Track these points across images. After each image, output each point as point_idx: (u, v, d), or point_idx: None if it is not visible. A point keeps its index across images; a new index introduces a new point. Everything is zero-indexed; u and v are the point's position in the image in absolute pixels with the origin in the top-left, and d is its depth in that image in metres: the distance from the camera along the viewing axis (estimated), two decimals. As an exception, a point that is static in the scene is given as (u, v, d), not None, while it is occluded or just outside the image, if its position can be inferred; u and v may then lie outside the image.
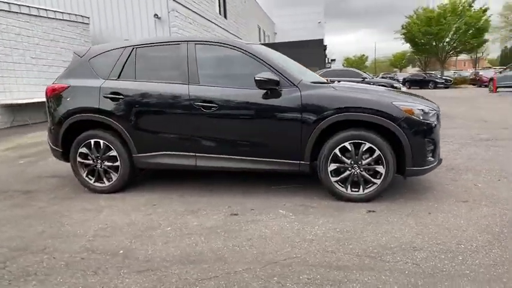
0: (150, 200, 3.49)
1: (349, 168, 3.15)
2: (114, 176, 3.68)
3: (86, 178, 3.74)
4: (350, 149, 3.10)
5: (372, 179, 3.14)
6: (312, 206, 3.17)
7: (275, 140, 3.28)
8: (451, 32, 30.38)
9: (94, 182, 3.73)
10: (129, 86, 3.54)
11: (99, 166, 3.69)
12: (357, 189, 3.18)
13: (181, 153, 3.48)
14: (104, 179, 3.72)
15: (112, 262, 2.31)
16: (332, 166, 3.17)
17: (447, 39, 31.49)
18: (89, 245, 2.56)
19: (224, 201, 3.37)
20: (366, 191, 3.16)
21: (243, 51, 3.41)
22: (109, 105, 3.56)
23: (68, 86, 3.71)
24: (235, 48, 3.45)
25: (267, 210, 3.09)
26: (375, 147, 3.05)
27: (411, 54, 47.55)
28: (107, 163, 3.66)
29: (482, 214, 2.86)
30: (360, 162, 3.12)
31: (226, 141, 3.39)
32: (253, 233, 2.67)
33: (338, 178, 3.19)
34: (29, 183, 4.28)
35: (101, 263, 2.31)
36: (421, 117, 3.05)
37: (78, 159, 3.71)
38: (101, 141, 3.62)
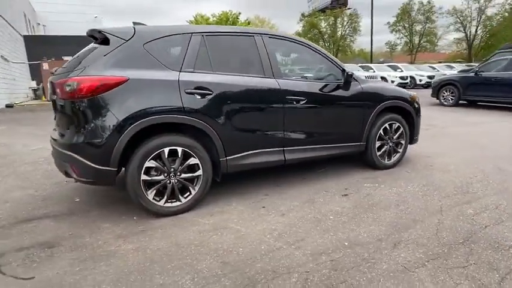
0: (244, 207, 3.17)
1: (385, 144, 4.13)
2: (193, 190, 3.01)
3: (153, 200, 2.85)
4: (388, 128, 4.08)
5: (397, 149, 4.26)
6: (371, 177, 3.95)
7: (347, 126, 3.81)
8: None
9: (165, 202, 2.91)
10: (217, 79, 3.01)
11: (173, 181, 2.91)
12: (389, 159, 4.21)
13: (271, 149, 3.34)
14: (180, 197, 2.97)
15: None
16: (377, 143, 4.05)
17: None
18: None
19: (309, 188, 3.59)
20: (392, 159, 4.24)
21: (307, 46, 3.65)
22: (195, 103, 2.89)
23: (127, 79, 2.67)
24: (300, 43, 3.63)
25: (359, 185, 3.62)
26: (401, 126, 4.17)
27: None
28: (184, 175, 2.95)
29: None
30: (392, 138, 4.15)
31: (311, 132, 3.57)
32: (382, 197, 3.22)
33: (380, 152, 4.10)
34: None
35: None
36: (418, 101, 4.42)
37: (143, 177, 2.78)
38: (179, 149, 2.87)
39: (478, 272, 2.08)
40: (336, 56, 62.97)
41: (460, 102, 11.11)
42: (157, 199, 2.87)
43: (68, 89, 2.60)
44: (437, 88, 11.81)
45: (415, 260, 2.21)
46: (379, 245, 2.41)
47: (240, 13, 35.45)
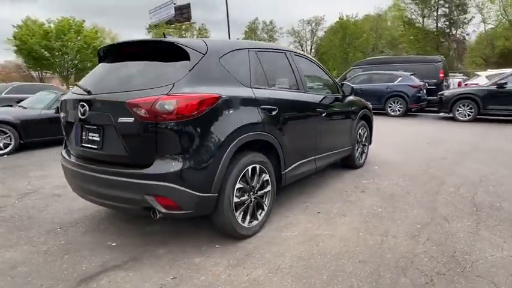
0: (304, 216, 3.37)
1: (359, 147, 4.93)
2: (266, 206, 3.02)
3: (241, 222, 2.74)
4: (361, 133, 4.90)
5: (365, 150, 5.13)
6: (359, 175, 4.67)
7: (345, 133, 4.40)
8: (75, 49, 31.49)
9: (248, 223, 2.83)
10: (277, 95, 3.10)
11: (253, 199, 2.86)
12: (361, 159, 5.03)
13: (309, 158, 3.61)
14: (257, 214, 2.93)
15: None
16: (356, 146, 4.81)
17: (70, 56, 32.26)
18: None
19: (329, 191, 4.01)
20: (363, 159, 5.08)
21: (314, 63, 4.09)
22: (267, 119, 2.91)
23: (220, 96, 2.48)
24: (311, 60, 4.04)
25: (360, 182, 4.26)
26: (367, 130, 5.07)
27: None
28: (259, 192, 2.93)
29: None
30: (363, 141, 5.00)
31: (328, 140, 3.99)
32: (386, 187, 3.97)
33: (357, 154, 4.87)
34: None
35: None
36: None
37: (235, 199, 2.65)
38: (257, 166, 2.85)
39: None
40: (192, 70, 64.31)
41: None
42: (243, 220, 2.76)
43: (163, 109, 2.26)
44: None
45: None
46: (425, 217, 3.05)
47: (84, 21, 32.13)
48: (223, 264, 2.44)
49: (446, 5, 38.69)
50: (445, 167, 4.96)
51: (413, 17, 41.65)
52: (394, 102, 12.21)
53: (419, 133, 8.22)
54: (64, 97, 2.94)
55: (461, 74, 23.05)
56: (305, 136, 3.51)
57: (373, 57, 20.17)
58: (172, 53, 2.56)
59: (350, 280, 2.21)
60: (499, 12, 34.97)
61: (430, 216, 3.21)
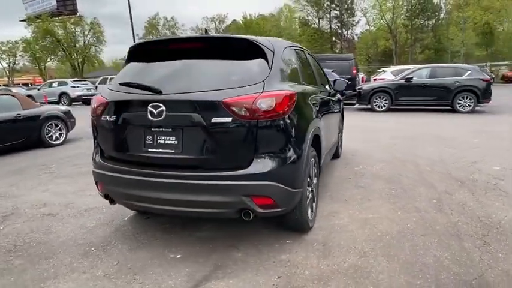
0: (338, 204, 3.62)
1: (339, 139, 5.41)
2: (315, 198, 3.18)
3: (309, 215, 2.87)
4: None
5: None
6: (344, 162, 5.13)
7: (338, 125, 4.77)
8: None
9: (310, 215, 2.96)
10: (316, 91, 3.27)
11: (313, 192, 3.01)
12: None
13: (327, 151, 3.85)
14: (313, 207, 3.08)
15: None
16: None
17: None
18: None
19: (337, 185, 4.35)
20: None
21: (315, 59, 4.34)
22: (316, 115, 3.06)
23: (297, 93, 2.51)
24: (315, 57, 4.27)
25: (354, 169, 4.70)
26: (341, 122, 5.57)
27: None
28: (313, 185, 3.07)
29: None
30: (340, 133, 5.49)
31: (333, 133, 4.29)
32: (379, 171, 4.52)
33: (340, 142, 5.34)
34: None
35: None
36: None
37: (306, 192, 2.75)
38: (312, 160, 2.97)
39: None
40: (81, 68, 58.35)
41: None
42: (310, 213, 2.86)
43: (263, 106, 2.21)
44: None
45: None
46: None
47: None
48: (313, 257, 2.51)
49: (337, 8, 43.29)
50: (404, 151, 5.77)
51: (310, 18, 45.47)
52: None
53: (351, 124, 9.20)
54: (111, 98, 2.55)
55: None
56: (327, 130, 3.73)
57: None
58: (248, 50, 2.48)
59: (430, 252, 2.53)
60: (379, 17, 40.72)
61: (434, 192, 3.78)
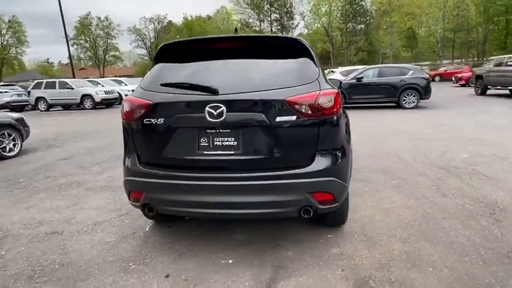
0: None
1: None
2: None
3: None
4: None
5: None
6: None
7: None
8: None
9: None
10: None
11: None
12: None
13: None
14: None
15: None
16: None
17: None
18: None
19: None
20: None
21: None
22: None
23: (340, 91, 2.60)
24: None
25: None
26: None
27: None
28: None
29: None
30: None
31: None
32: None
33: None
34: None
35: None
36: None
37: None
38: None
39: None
40: (0, 71, 52.50)
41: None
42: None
43: (324, 104, 2.26)
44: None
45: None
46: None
47: None
48: (362, 248, 2.62)
49: (277, 12, 44.60)
50: (380, 145, 6.21)
51: (251, 20, 46.21)
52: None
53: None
54: (157, 100, 2.37)
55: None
56: None
57: None
58: (293, 49, 2.50)
59: (459, 232, 2.79)
60: (316, 20, 42.88)
61: (429, 179, 4.15)
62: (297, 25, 45.18)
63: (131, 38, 53.52)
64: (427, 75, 12.66)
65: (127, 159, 2.57)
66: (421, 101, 12.13)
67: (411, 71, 12.37)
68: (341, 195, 2.43)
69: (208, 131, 2.29)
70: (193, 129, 2.31)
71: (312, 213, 2.35)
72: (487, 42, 31.51)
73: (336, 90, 2.41)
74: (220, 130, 2.27)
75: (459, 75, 23.00)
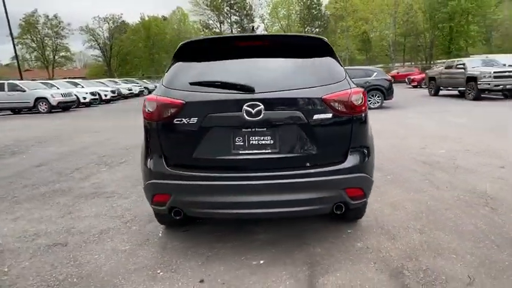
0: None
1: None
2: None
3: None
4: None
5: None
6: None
7: None
8: None
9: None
10: None
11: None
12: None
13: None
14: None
15: (442, 177, 4.20)
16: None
17: None
18: None
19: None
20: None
21: None
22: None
23: (361, 90, 2.69)
24: None
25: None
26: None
27: None
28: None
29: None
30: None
31: None
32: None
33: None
34: None
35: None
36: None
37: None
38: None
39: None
40: None
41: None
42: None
43: (356, 102, 2.33)
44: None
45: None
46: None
47: None
48: (384, 240, 2.73)
49: (237, 14, 44.72)
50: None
51: (211, 22, 45.89)
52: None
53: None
54: (189, 99, 2.28)
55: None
56: None
57: None
58: (318, 48, 2.54)
59: (465, 221, 3.00)
60: (276, 23, 43.60)
61: (419, 174, 4.41)
62: (257, 28, 45.61)
63: (84, 38, 50.44)
64: (390, 77, 13.39)
65: (149, 161, 2.45)
66: (384, 101, 12.80)
67: (375, 73, 13.01)
68: (369, 191, 2.51)
69: (243, 130, 2.26)
70: (228, 129, 2.27)
71: (343, 209, 2.40)
72: (433, 47, 34.08)
73: (362, 89, 2.49)
74: (256, 129, 2.25)
75: (412, 77, 24.58)
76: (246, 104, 2.19)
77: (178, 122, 2.28)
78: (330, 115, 2.26)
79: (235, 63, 2.50)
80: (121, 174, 5.06)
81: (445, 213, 3.17)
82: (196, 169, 2.32)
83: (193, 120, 2.25)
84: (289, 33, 3.38)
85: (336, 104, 2.26)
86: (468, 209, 3.24)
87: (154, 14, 49.27)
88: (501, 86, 13.10)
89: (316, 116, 2.24)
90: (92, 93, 21.00)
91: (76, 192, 4.30)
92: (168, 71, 2.58)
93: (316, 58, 2.52)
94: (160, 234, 3.00)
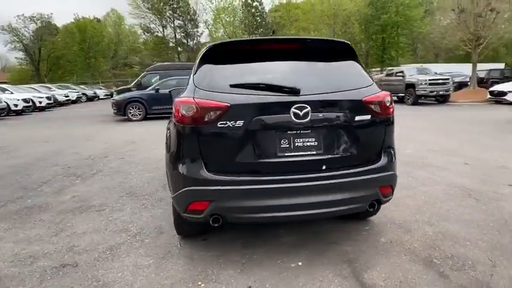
0: None
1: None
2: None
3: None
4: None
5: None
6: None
7: None
8: None
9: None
10: None
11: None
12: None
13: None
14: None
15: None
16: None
17: None
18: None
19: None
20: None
21: None
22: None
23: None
24: None
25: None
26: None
27: None
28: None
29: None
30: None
31: None
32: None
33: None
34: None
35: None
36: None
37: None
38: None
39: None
40: None
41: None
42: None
43: (388, 104, 2.48)
44: (124, 105, 12.93)
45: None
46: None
47: None
48: (402, 233, 2.93)
49: (181, 18, 43.88)
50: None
51: (153, 25, 44.39)
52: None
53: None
54: (235, 101, 2.21)
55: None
56: None
57: (169, 63, 20.86)
58: (344, 53, 2.65)
59: (469, 210, 3.33)
60: (221, 30, 43.66)
61: (401, 173, 4.75)
62: (201, 33, 45.27)
63: (5, 39, 45.18)
64: None
65: (183, 167, 2.33)
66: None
67: None
68: (395, 187, 2.67)
69: (289, 132, 2.27)
70: (274, 131, 2.26)
71: (375, 207, 2.53)
72: (369, 56, 36.83)
73: (389, 92, 2.66)
74: (302, 131, 2.28)
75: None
76: (294, 107, 2.21)
77: (223, 126, 2.21)
78: (368, 116, 2.38)
79: (271, 65, 2.51)
80: (98, 185, 4.68)
81: (443, 206, 3.47)
82: (239, 173, 2.27)
83: (239, 123, 2.21)
84: (317, 37, 3.43)
85: (373, 106, 2.39)
86: (459, 201, 3.59)
87: (86, 16, 46.06)
88: (435, 92, 14.67)
89: (357, 118, 2.34)
90: (25, 100, 19.00)
91: (57, 207, 3.88)
92: (196, 73, 2.49)
93: (344, 61, 2.63)
94: (179, 245, 2.86)
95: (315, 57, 2.60)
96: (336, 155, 2.35)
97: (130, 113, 12.82)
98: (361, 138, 2.40)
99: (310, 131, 2.30)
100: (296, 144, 2.29)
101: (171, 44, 44.86)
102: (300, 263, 2.51)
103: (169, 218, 3.17)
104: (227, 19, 42.55)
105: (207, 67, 2.48)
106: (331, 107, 2.32)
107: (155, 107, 12.83)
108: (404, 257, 2.54)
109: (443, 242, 2.74)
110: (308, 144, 2.30)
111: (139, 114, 12.83)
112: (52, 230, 3.27)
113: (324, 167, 2.33)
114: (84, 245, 2.94)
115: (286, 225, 3.08)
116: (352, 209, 2.47)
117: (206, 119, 2.22)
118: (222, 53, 2.54)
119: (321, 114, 2.28)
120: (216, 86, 2.32)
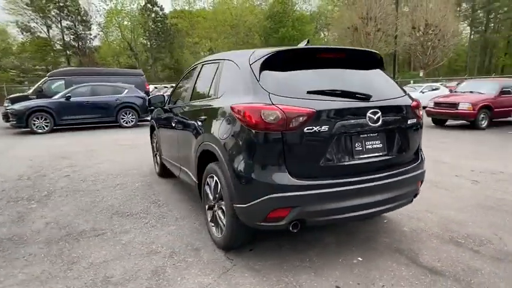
0: None
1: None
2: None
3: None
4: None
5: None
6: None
7: None
8: None
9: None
10: None
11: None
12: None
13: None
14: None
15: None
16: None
17: None
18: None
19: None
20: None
21: None
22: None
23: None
24: None
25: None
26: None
27: None
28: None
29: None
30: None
31: None
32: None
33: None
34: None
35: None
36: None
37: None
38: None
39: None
40: None
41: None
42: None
43: (421, 109, 2.89)
44: (27, 115, 11.06)
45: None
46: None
47: None
48: (415, 221, 3.36)
49: (69, 18, 39.36)
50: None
51: (34, 24, 38.68)
52: (126, 114, 12.40)
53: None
54: (320, 107, 2.28)
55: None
56: None
57: (73, 68, 18.32)
58: (377, 62, 2.95)
59: (479, 195, 3.99)
60: (118, 33, 40.79)
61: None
62: (95, 36, 41.41)
63: None
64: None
65: (262, 174, 2.30)
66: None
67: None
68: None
69: (361, 135, 2.46)
70: (348, 135, 2.41)
71: (412, 200, 2.90)
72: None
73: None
74: (370, 134, 2.50)
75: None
76: (369, 111, 2.42)
77: (309, 131, 2.27)
78: (415, 120, 2.74)
79: (331, 72, 2.66)
80: (68, 208, 4.03)
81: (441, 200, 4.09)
82: (321, 177, 2.35)
83: (325, 128, 2.29)
84: (357, 48, 3.55)
85: (417, 111, 2.77)
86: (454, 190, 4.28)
87: None
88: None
89: (409, 121, 2.68)
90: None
91: (38, 237, 3.23)
92: (260, 79, 2.47)
93: (378, 70, 2.94)
94: (230, 260, 2.73)
95: (362, 66, 2.84)
96: (395, 155, 2.64)
97: (34, 124, 11.07)
98: (410, 140, 2.75)
99: (377, 134, 2.53)
100: (367, 146, 2.49)
101: (58, 47, 39.79)
102: (360, 259, 2.70)
103: (191, 234, 3.18)
104: (125, 23, 40.00)
105: (273, 74, 2.49)
106: (393, 112, 2.60)
107: (66, 117, 11.50)
108: (435, 241, 2.97)
109: (453, 225, 3.28)
110: (376, 146, 2.53)
111: (47, 126, 11.21)
112: (58, 264, 2.74)
113: (387, 167, 2.58)
114: (119, 274, 2.56)
115: (320, 227, 3.21)
116: (404, 203, 2.79)
117: (292, 125, 2.25)
118: (282, 61, 2.57)
119: (387, 119, 2.54)
120: (292, 93, 2.36)
